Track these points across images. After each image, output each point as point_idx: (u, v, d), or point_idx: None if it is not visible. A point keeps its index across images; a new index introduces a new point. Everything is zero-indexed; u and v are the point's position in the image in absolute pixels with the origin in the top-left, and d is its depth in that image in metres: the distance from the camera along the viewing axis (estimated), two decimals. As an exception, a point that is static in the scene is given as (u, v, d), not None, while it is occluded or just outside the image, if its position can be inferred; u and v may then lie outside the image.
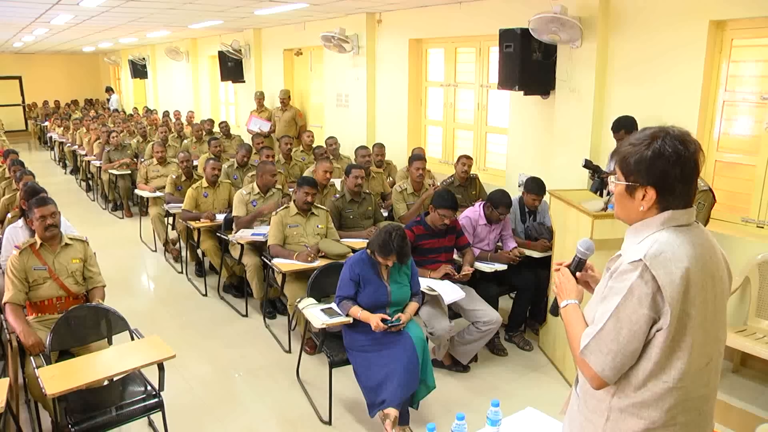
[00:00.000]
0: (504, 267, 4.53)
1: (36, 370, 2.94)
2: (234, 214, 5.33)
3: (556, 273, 1.93)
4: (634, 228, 1.69)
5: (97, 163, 9.57)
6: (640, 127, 1.74)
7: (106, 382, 3.25)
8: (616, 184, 1.69)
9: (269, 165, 5.69)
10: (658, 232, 1.61)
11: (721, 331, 1.69)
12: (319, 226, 4.86)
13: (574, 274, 1.89)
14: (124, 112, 16.22)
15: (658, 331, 1.56)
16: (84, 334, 3.43)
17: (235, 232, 5.22)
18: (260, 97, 10.39)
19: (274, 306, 5.35)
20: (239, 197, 5.38)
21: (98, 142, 9.93)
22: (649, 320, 1.56)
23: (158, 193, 7.12)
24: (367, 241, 3.74)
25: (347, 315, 3.58)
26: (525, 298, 4.70)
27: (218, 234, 5.68)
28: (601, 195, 4.59)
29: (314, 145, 7.98)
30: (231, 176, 6.77)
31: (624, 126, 4.55)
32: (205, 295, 5.86)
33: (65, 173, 12.91)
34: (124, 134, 9.66)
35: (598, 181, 4.71)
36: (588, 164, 4.72)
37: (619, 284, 1.59)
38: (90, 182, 10.68)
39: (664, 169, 1.58)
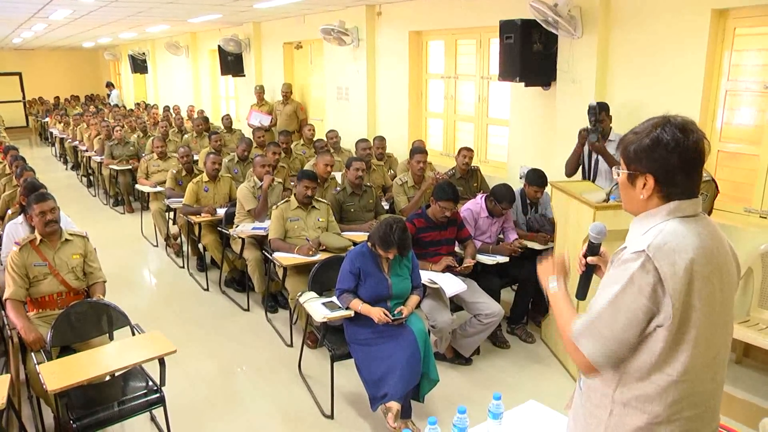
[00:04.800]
0: (506, 259, 4.52)
1: (37, 366, 2.93)
2: (247, 208, 5.32)
3: (539, 264, 1.92)
4: (639, 218, 1.67)
5: (98, 159, 9.56)
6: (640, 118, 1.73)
7: (107, 378, 3.26)
8: (620, 173, 1.69)
9: (258, 157, 5.72)
10: (663, 223, 1.59)
11: (729, 324, 1.66)
12: (320, 220, 4.84)
13: (586, 259, 1.89)
14: (125, 108, 16.20)
15: (659, 326, 1.54)
16: (85, 329, 3.42)
17: (257, 222, 5.27)
18: (260, 91, 10.37)
19: (275, 300, 5.34)
20: (245, 191, 5.36)
21: (99, 137, 9.92)
22: (648, 311, 1.54)
23: (159, 188, 7.11)
24: (368, 234, 3.73)
25: (347, 308, 3.58)
26: (527, 290, 4.69)
27: (219, 228, 5.67)
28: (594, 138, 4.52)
29: (315, 139, 7.97)
30: (231, 170, 6.76)
31: (604, 108, 4.57)
32: (207, 289, 5.86)
33: (66, 169, 12.91)
34: (125, 129, 9.65)
35: (593, 130, 4.54)
36: (592, 110, 4.51)
37: (619, 272, 1.57)
38: (91, 178, 10.67)
39: (662, 157, 1.57)
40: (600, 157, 4.60)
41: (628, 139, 1.66)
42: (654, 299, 1.52)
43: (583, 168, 4.84)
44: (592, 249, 1.88)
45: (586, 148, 4.71)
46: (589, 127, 4.53)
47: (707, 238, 1.59)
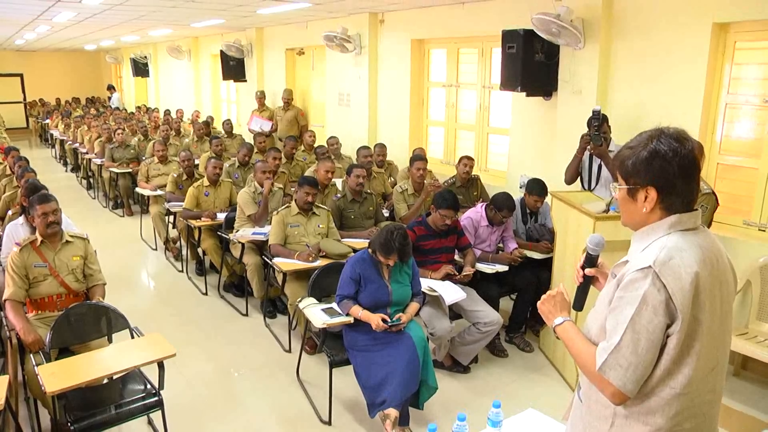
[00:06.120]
0: (505, 268, 4.53)
1: (36, 367, 2.93)
2: (248, 213, 5.32)
3: (540, 303, 1.90)
4: (640, 233, 1.67)
5: (98, 161, 9.57)
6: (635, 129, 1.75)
7: (105, 380, 3.25)
8: (618, 189, 1.69)
9: (259, 162, 5.76)
10: (665, 237, 1.59)
11: (727, 335, 1.67)
12: (320, 226, 4.85)
13: (584, 271, 1.89)
14: (126, 111, 16.22)
15: (668, 337, 1.55)
16: (84, 331, 3.42)
17: (257, 228, 5.28)
18: (261, 97, 10.40)
19: (274, 305, 5.34)
20: (246, 196, 5.37)
21: (99, 140, 9.94)
22: (665, 327, 1.54)
23: (159, 192, 7.11)
24: (368, 241, 3.74)
25: (347, 314, 3.58)
26: (526, 299, 4.69)
27: (219, 233, 5.68)
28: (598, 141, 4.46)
29: (316, 145, 7.98)
30: (232, 175, 6.77)
31: (604, 119, 4.56)
32: (206, 293, 5.85)
33: (66, 171, 12.90)
34: (126, 133, 9.67)
35: (596, 135, 4.48)
36: (597, 115, 4.46)
37: (630, 294, 1.56)
38: (91, 180, 10.68)
39: (662, 167, 1.58)
40: (603, 166, 4.61)
41: (623, 155, 1.66)
42: (668, 314, 1.53)
43: (582, 176, 4.85)
44: (590, 260, 1.89)
45: (586, 156, 4.72)
46: (591, 133, 4.53)
47: (708, 251, 1.59)
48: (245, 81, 11.45)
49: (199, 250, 6.12)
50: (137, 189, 7.77)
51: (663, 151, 1.57)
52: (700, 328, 1.55)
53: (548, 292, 1.89)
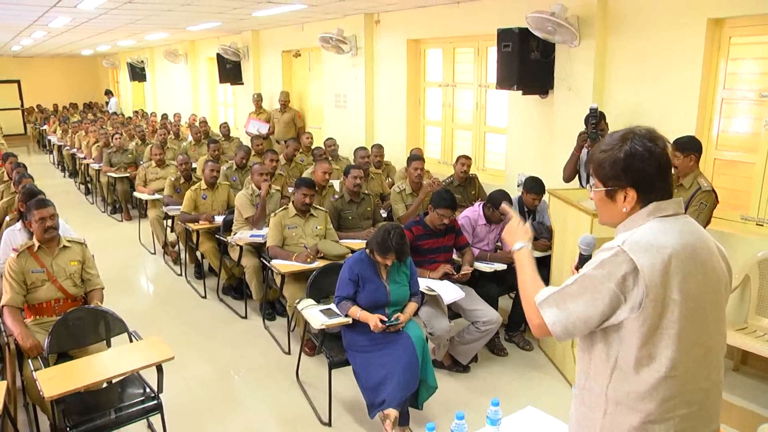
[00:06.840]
0: (504, 267, 4.52)
1: (34, 372, 2.93)
2: (245, 216, 5.32)
3: (504, 233, 2.01)
4: (622, 225, 1.70)
5: (96, 166, 9.57)
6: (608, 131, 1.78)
7: (104, 385, 3.24)
8: (594, 191, 1.72)
9: (256, 165, 5.77)
10: (646, 224, 1.63)
11: (721, 323, 1.68)
12: (318, 227, 4.85)
13: (578, 271, 1.90)
14: (123, 115, 16.23)
15: (628, 318, 1.56)
16: (82, 336, 3.41)
17: (255, 230, 5.28)
18: (258, 99, 10.39)
19: (273, 307, 5.34)
20: (243, 199, 5.37)
21: (97, 145, 9.93)
22: (614, 297, 1.56)
23: (157, 196, 7.11)
24: (366, 241, 3.74)
25: (347, 315, 3.57)
26: (525, 297, 4.67)
27: (217, 236, 5.67)
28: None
29: (313, 147, 7.98)
30: (230, 178, 6.77)
31: (602, 117, 4.59)
32: (204, 296, 5.85)
33: (64, 176, 12.90)
34: (123, 137, 9.67)
35: (593, 133, 4.50)
36: (594, 112, 4.49)
37: (593, 261, 1.63)
38: (89, 185, 10.67)
39: (640, 168, 1.62)
40: None
41: (599, 157, 1.69)
42: (622, 287, 1.56)
43: (580, 173, 4.85)
44: (584, 261, 1.91)
45: (584, 153, 4.72)
46: (588, 131, 4.53)
47: (689, 235, 1.62)
48: (242, 84, 11.46)
49: (198, 254, 6.11)
50: (135, 193, 7.77)
51: (639, 152, 1.61)
52: (676, 309, 1.55)
53: (510, 223, 2.01)
